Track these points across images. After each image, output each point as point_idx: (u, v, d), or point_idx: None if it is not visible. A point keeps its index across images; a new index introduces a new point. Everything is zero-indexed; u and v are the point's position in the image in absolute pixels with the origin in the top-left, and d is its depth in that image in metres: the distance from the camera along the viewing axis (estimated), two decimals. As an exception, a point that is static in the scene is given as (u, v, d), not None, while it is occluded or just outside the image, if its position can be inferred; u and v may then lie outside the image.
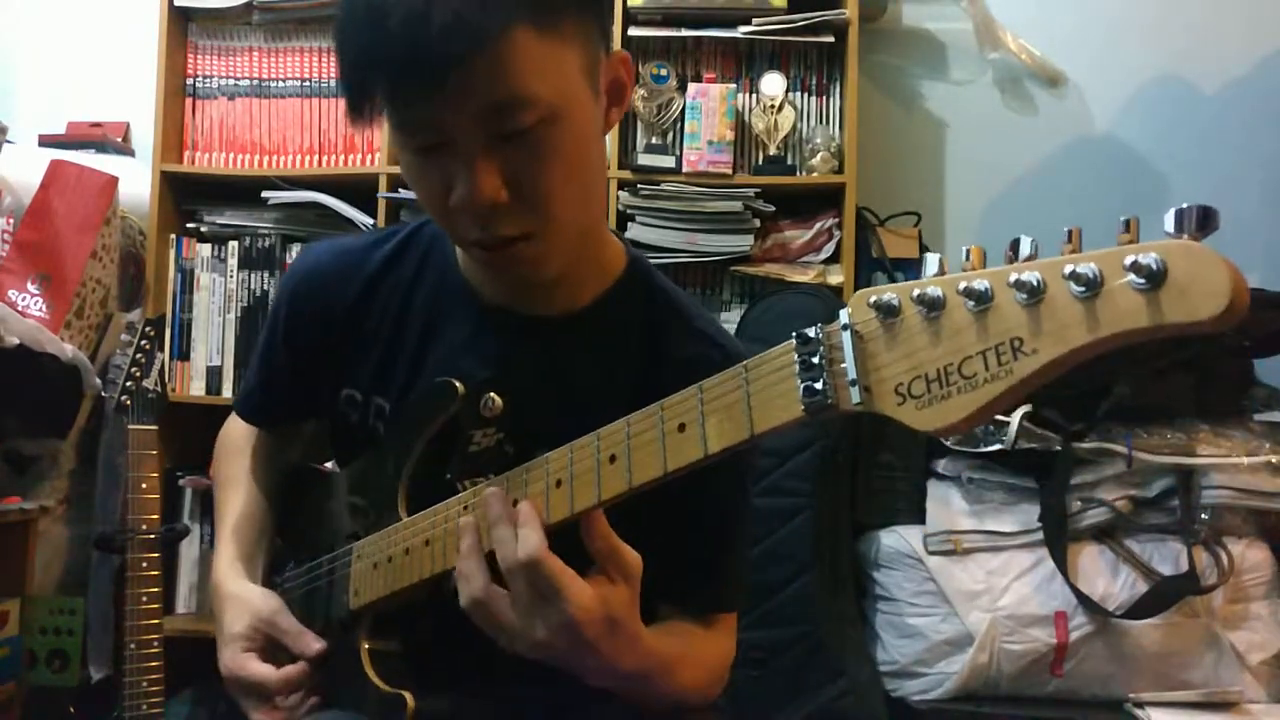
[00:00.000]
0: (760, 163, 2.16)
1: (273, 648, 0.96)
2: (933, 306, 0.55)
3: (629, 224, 2.10)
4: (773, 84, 2.12)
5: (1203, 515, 1.79)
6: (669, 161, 2.11)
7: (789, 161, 2.15)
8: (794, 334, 0.63)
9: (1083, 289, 0.49)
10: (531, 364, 0.96)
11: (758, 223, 2.09)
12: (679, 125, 2.14)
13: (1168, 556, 1.79)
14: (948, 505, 1.87)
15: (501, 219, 0.81)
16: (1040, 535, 1.81)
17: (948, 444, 1.88)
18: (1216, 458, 1.79)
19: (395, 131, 0.82)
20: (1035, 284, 0.51)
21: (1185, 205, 0.49)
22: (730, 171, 2.10)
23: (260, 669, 0.94)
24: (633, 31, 2.13)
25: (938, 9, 2.38)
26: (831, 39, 2.11)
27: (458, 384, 0.89)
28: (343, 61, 0.80)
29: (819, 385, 0.61)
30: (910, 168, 2.37)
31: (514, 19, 0.74)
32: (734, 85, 2.15)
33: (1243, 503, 1.79)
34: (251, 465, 1.12)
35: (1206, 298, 0.46)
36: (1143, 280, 0.47)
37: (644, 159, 2.12)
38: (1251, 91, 2.33)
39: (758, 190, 2.08)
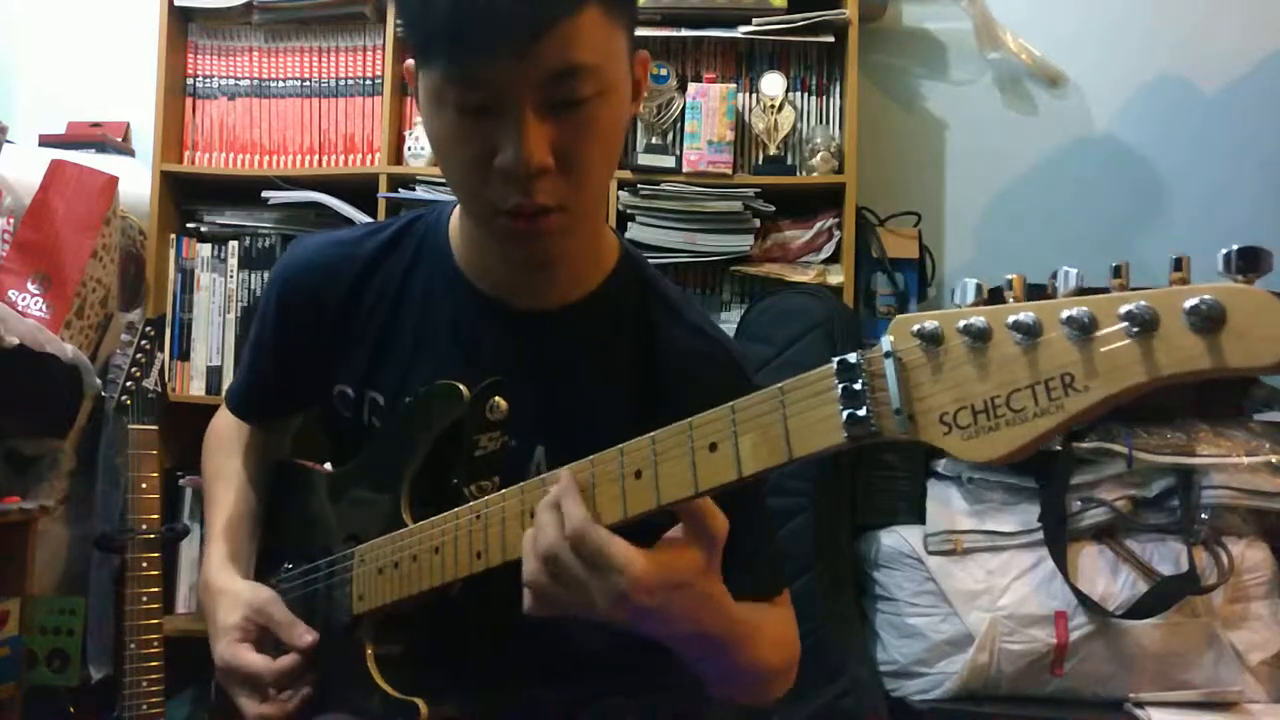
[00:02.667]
0: (760, 163, 2.16)
1: (265, 640, 0.96)
2: (978, 337, 0.56)
3: (629, 224, 2.09)
4: (773, 84, 2.12)
5: (1203, 515, 1.79)
6: (669, 161, 2.11)
7: (789, 161, 2.15)
8: (834, 359, 0.62)
9: (1137, 329, 0.50)
10: (529, 356, 0.96)
11: (758, 223, 2.09)
12: (679, 125, 2.14)
13: (1168, 556, 1.79)
14: (948, 505, 1.87)
15: (542, 187, 0.81)
16: (1040, 535, 1.81)
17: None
18: (1216, 458, 1.79)
19: (447, 86, 0.81)
20: (1087, 321, 0.51)
21: (1236, 246, 0.49)
22: (730, 171, 2.10)
23: (255, 659, 0.94)
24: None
25: (938, 9, 2.38)
26: (831, 39, 2.11)
27: (463, 388, 0.89)
28: (418, 8, 0.80)
29: (862, 412, 0.61)
30: (910, 168, 2.37)
31: None
32: (734, 85, 2.14)
33: (1243, 503, 1.79)
34: (242, 461, 1.12)
35: (1267, 342, 0.47)
36: (1200, 322, 0.48)
37: (644, 159, 2.12)
38: (1251, 92, 2.33)
39: (758, 190, 2.08)
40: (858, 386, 0.61)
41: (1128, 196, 2.34)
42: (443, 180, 2.08)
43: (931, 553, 1.84)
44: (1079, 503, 1.81)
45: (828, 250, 2.10)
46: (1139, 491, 1.82)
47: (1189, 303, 0.48)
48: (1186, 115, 2.35)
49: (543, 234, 0.85)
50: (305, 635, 0.94)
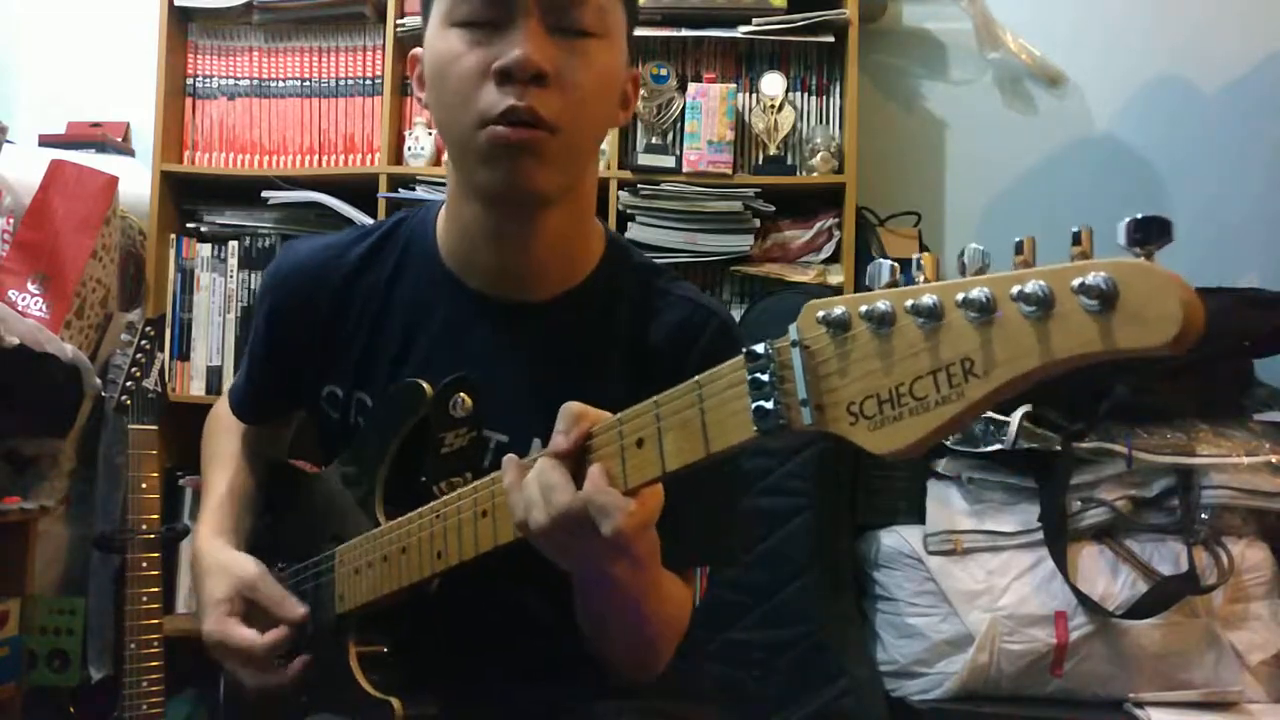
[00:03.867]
0: (760, 163, 2.16)
1: (254, 613, 0.97)
2: (882, 322, 0.53)
3: (629, 224, 2.09)
4: (773, 84, 2.12)
5: (1203, 515, 1.79)
6: (669, 161, 2.11)
7: (789, 161, 2.15)
8: (743, 350, 0.60)
9: (1033, 309, 0.46)
10: (520, 350, 0.96)
11: (758, 223, 2.09)
12: (679, 125, 2.14)
13: (1168, 556, 1.79)
14: (948, 505, 1.87)
15: (538, 94, 0.84)
16: (1040, 535, 1.81)
17: (947, 444, 1.87)
18: (1216, 458, 1.79)
19: (457, 2, 0.86)
20: (984, 302, 0.48)
21: (1138, 215, 0.46)
22: (730, 171, 2.10)
23: (245, 633, 0.95)
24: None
25: (938, 9, 2.38)
26: (831, 39, 2.11)
27: (425, 386, 0.89)
28: None
29: (769, 405, 0.58)
30: (910, 168, 2.37)
31: None
32: (734, 85, 2.14)
33: (1243, 503, 1.79)
34: (239, 446, 1.13)
35: (1159, 322, 0.43)
36: (1094, 302, 0.44)
37: (644, 159, 2.11)
38: (1251, 92, 2.33)
39: (758, 190, 2.08)
40: (765, 377, 0.58)
41: (1128, 196, 2.34)
42: (443, 180, 2.08)
43: (931, 553, 1.84)
44: (1079, 503, 1.81)
45: (828, 250, 2.10)
46: (1139, 491, 1.82)
47: (1077, 281, 0.45)
48: (1186, 115, 2.35)
49: (528, 149, 0.84)
50: (297, 608, 0.95)
